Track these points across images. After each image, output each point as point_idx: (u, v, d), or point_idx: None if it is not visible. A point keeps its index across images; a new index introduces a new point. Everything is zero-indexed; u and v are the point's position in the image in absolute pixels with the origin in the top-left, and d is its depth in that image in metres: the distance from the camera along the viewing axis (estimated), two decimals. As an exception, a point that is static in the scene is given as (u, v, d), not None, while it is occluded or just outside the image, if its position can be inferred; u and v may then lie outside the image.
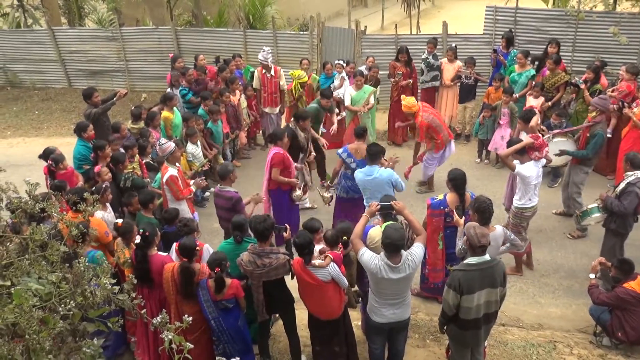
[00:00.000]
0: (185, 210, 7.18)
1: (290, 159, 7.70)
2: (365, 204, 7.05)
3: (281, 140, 7.63)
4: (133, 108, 9.21)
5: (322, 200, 8.09)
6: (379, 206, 5.23)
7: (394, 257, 4.76)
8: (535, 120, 8.25)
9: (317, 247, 5.43)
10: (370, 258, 4.82)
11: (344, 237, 5.52)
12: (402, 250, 4.78)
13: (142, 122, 8.84)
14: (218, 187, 6.80)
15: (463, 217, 6.02)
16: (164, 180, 7.06)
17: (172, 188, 7.05)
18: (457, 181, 6.11)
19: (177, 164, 7.22)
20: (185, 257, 5.31)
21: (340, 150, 7.79)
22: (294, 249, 5.29)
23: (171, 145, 7.13)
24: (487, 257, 4.81)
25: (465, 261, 4.86)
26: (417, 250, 4.87)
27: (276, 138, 7.66)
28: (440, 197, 6.26)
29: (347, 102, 9.72)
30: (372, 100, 9.87)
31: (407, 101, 8.74)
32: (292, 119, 8.62)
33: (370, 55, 11.48)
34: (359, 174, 6.91)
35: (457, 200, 6.15)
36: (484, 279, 4.75)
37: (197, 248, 5.35)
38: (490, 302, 4.83)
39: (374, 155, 6.88)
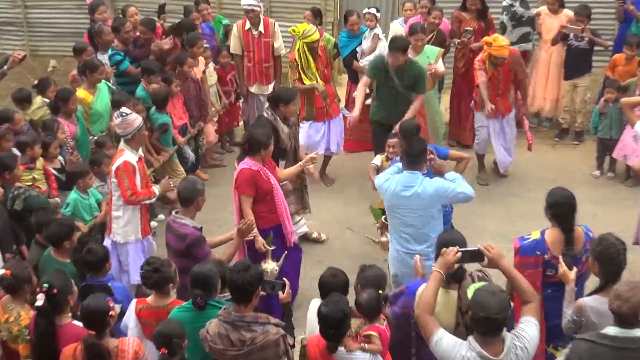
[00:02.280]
0: (128, 231, 7.60)
1: (271, 177, 7.64)
2: (392, 236, 7.16)
3: (265, 148, 7.54)
4: (15, 90, 9.33)
5: (380, 248, 8.20)
6: (459, 254, 5.17)
7: (493, 343, 4.70)
8: None
9: None
10: (453, 347, 4.78)
11: (380, 291, 5.56)
12: (505, 331, 4.73)
13: (34, 107, 8.96)
14: (172, 214, 6.85)
15: (574, 268, 6.01)
16: (114, 168, 7.44)
17: (121, 182, 7.41)
18: (560, 208, 6.08)
19: (140, 150, 7.64)
20: (91, 327, 5.31)
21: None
22: (311, 320, 5.34)
23: (138, 119, 7.51)
24: (636, 332, 4.78)
25: (602, 330, 4.85)
26: (529, 330, 4.86)
27: (259, 145, 7.50)
28: (536, 235, 6.21)
29: None
30: (441, 66, 9.99)
31: (501, 38, 9.37)
32: (268, 103, 8.71)
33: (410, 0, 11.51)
34: (390, 185, 6.98)
35: (562, 239, 6.12)
36: None
37: (111, 313, 5.37)
38: None
39: (415, 156, 7.02)
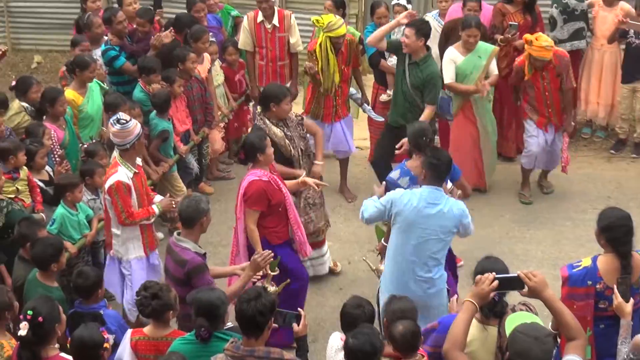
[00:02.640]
0: (129, 249, 7.75)
1: (281, 185, 7.75)
2: (396, 259, 7.16)
3: (262, 151, 7.64)
4: None
5: (373, 273, 8.18)
6: (496, 281, 5.12)
7: None
8: None
9: None
10: None
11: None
12: None
13: (11, 113, 8.91)
14: (174, 236, 6.89)
15: (630, 300, 5.97)
16: (106, 186, 7.53)
17: (115, 203, 7.52)
18: (615, 231, 6.03)
19: (137, 162, 7.74)
20: None
21: (393, 174, 7.90)
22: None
23: (138, 126, 7.61)
24: None
25: None
26: None
27: (254, 150, 7.64)
28: (586, 262, 6.15)
29: (448, 79, 9.88)
30: (494, 68, 10.05)
31: (544, 37, 9.27)
32: (259, 107, 8.72)
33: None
34: (412, 200, 7.01)
35: (617, 266, 6.10)
36: None
37: (105, 345, 5.44)
38: None
39: (443, 171, 7.11)
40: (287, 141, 8.41)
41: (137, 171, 7.67)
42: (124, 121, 7.45)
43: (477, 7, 10.46)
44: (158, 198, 8.01)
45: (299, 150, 8.60)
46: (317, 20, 10.03)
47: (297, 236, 7.90)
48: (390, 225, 7.50)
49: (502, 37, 10.65)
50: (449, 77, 9.84)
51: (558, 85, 9.66)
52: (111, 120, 7.65)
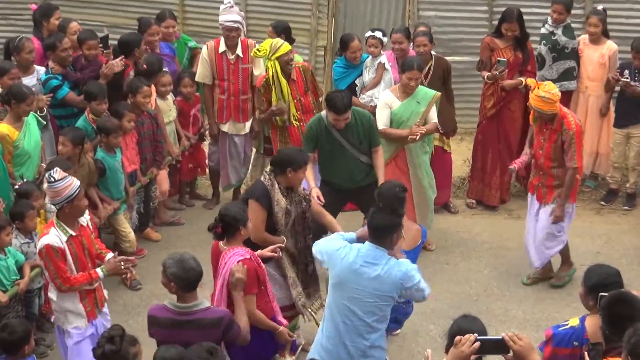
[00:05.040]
0: (69, 316, 7.48)
1: (260, 262, 7.47)
2: (334, 320, 7.13)
3: (244, 224, 7.30)
4: None
5: None
6: (477, 343, 4.99)
7: None
8: None
9: None
10: None
11: None
12: None
13: None
14: (175, 305, 6.52)
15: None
16: (37, 250, 7.57)
17: (47, 267, 7.42)
18: (603, 290, 5.94)
19: (79, 223, 7.54)
20: None
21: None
22: None
23: (73, 183, 7.33)
24: None
25: None
26: None
27: (236, 223, 7.28)
28: (574, 322, 6.22)
29: (382, 124, 9.65)
30: (433, 116, 9.76)
31: (548, 87, 8.87)
32: (269, 167, 8.41)
33: (425, 22, 11.53)
34: (348, 255, 7.01)
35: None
36: None
37: None
38: None
39: (381, 230, 7.00)
40: (283, 215, 8.09)
41: (74, 234, 7.38)
42: (53, 179, 7.24)
43: (425, 42, 10.37)
44: (110, 256, 7.74)
45: (301, 221, 8.35)
46: (257, 51, 10.04)
47: (277, 313, 7.68)
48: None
49: (489, 73, 10.59)
50: (382, 122, 9.58)
51: (550, 153, 9.05)
52: (46, 175, 7.47)
